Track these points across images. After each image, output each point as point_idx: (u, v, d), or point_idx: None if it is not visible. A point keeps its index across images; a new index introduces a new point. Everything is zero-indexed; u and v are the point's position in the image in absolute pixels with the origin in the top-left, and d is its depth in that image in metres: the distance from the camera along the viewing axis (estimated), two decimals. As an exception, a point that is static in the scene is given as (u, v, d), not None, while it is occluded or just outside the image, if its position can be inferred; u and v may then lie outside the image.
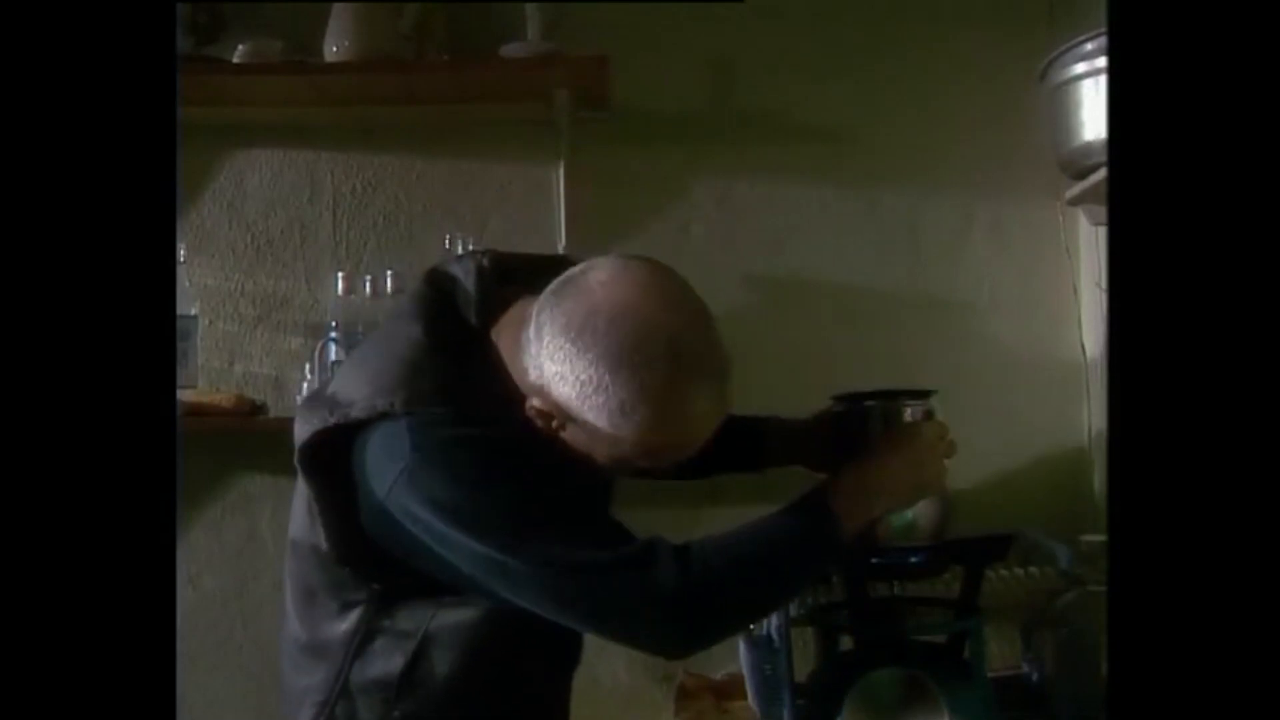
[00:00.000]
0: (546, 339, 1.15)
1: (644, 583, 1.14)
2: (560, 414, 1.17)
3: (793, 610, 1.72)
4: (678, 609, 1.15)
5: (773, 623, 1.73)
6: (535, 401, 1.18)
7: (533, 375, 1.17)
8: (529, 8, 2.09)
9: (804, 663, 1.69)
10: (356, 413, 1.19)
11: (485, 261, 1.32)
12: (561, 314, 1.15)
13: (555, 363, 1.14)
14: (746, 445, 1.59)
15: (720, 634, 1.25)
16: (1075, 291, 2.16)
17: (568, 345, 1.13)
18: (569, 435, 1.19)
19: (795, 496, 1.27)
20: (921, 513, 1.62)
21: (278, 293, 2.18)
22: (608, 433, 1.15)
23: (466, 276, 1.31)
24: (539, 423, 1.19)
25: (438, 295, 1.30)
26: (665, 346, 1.12)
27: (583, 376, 1.12)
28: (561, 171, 2.15)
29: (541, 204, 2.16)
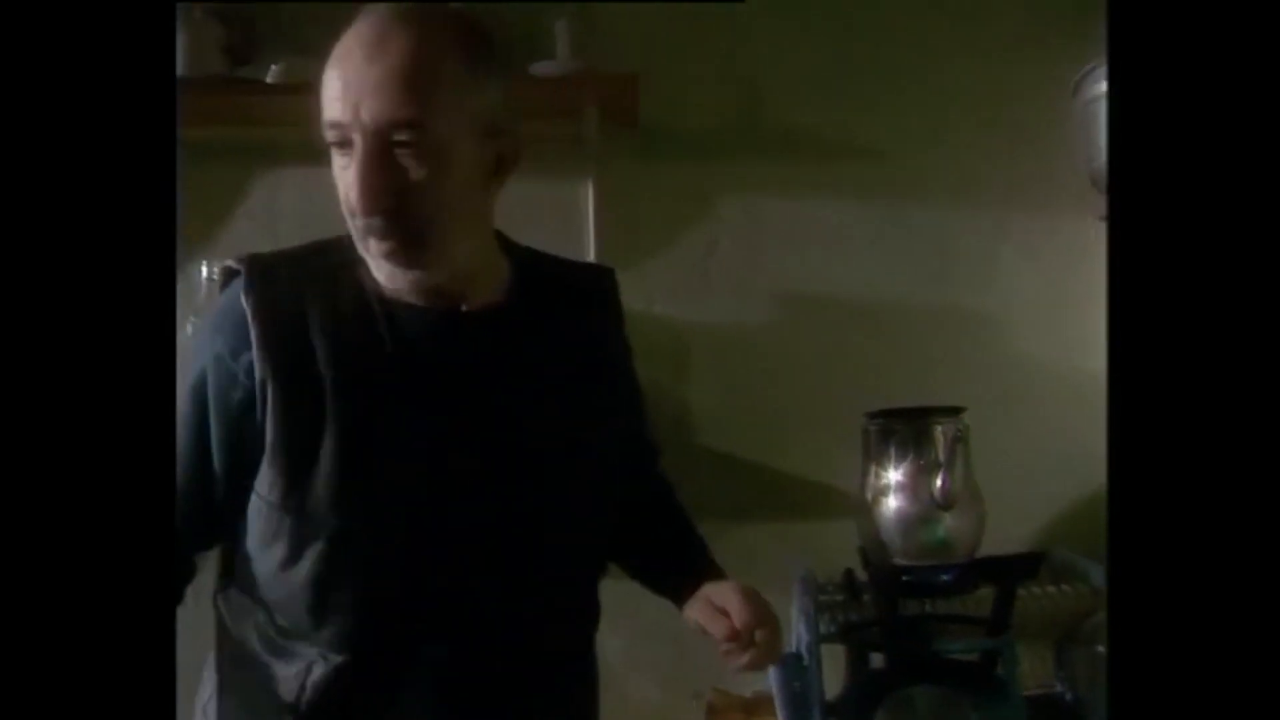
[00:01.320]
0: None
1: None
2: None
3: (822, 627, 1.71)
4: None
5: (802, 640, 1.73)
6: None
7: None
8: (558, 26, 2.11)
9: (834, 680, 1.68)
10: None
11: None
12: None
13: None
14: (675, 579, 1.35)
15: None
16: (1107, 307, 2.14)
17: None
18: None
19: None
20: (953, 531, 1.62)
21: (310, 309, 2.19)
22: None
23: None
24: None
25: None
26: None
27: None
28: (591, 188, 2.16)
29: (571, 221, 2.16)
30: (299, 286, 1.18)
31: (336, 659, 1.15)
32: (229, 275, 1.23)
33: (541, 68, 2.07)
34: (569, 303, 1.28)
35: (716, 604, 1.24)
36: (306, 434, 1.13)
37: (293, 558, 1.15)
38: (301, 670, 1.16)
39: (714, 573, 1.32)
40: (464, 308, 1.20)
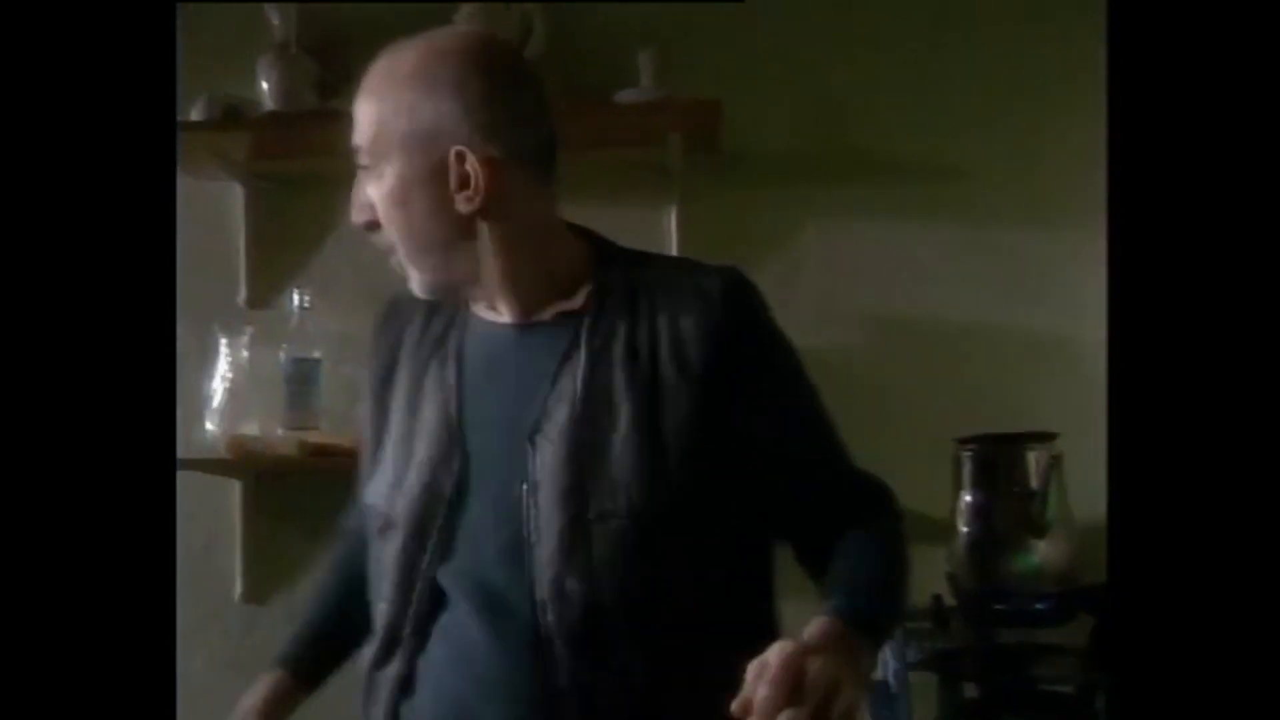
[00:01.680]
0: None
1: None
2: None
3: (911, 655, 1.68)
4: None
5: (890, 668, 1.70)
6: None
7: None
8: (642, 56, 2.13)
9: (924, 710, 1.65)
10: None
11: None
12: None
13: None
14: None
15: None
16: (1205, 330, 2.09)
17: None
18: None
19: None
20: (1047, 558, 1.58)
21: (398, 337, 2.23)
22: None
23: None
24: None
25: None
26: None
27: None
28: (674, 214, 2.17)
29: (654, 246, 2.14)
30: (414, 309, 1.30)
31: (377, 640, 1.22)
32: None
33: (625, 95, 2.09)
34: (670, 306, 1.19)
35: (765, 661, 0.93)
36: (375, 434, 1.27)
37: (361, 545, 1.28)
38: (369, 648, 1.24)
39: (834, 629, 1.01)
40: (519, 319, 1.22)
